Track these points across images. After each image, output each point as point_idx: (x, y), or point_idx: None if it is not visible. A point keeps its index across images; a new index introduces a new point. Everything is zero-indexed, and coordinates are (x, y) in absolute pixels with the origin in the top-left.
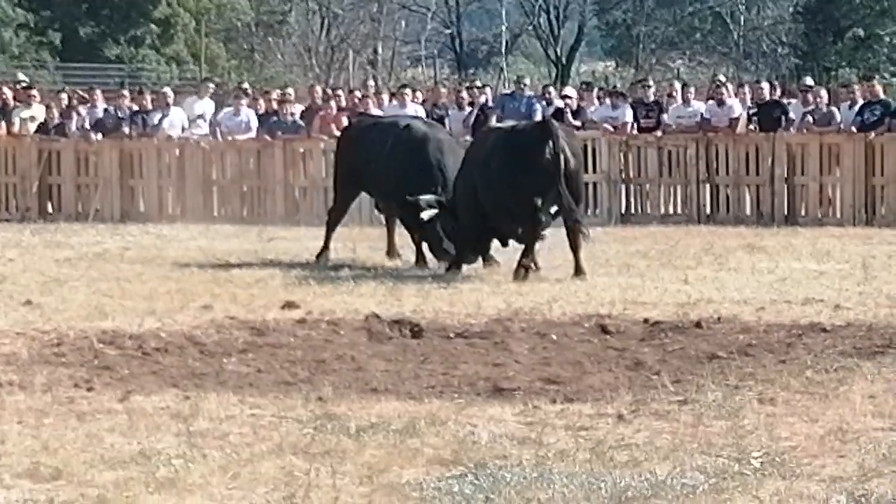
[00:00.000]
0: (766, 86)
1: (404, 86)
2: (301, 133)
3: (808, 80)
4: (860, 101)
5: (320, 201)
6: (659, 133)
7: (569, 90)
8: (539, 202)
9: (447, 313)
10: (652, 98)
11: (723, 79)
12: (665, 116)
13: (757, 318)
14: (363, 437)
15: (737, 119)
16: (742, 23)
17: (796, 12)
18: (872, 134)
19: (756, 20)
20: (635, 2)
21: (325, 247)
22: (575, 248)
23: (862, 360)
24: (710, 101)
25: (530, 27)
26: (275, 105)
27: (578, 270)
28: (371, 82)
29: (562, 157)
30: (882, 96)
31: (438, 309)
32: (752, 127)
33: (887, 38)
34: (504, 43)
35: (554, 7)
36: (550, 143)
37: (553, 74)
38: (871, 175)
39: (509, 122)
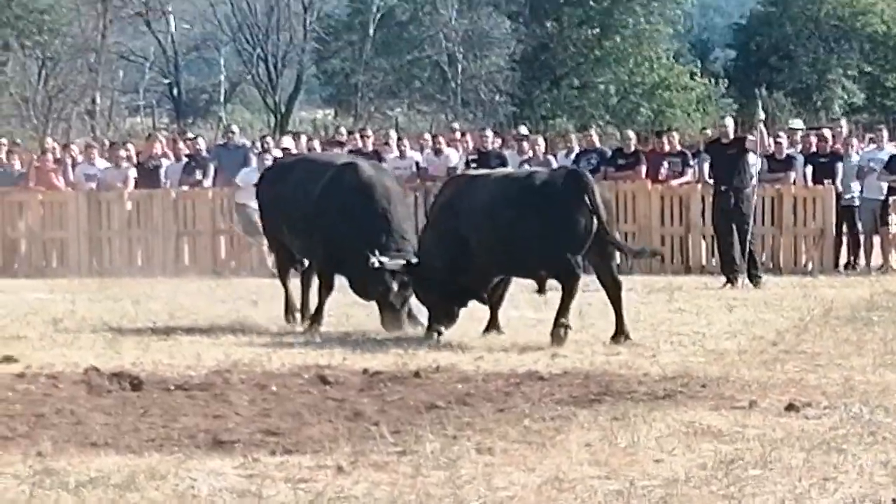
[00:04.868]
0: (490, 134)
1: (121, 143)
2: (21, 184)
3: (523, 129)
4: (576, 150)
5: (38, 252)
6: None
7: (286, 140)
8: (578, 256)
9: (167, 365)
10: (371, 148)
11: (456, 126)
12: (384, 166)
13: (475, 367)
14: (82, 492)
15: (454, 168)
16: (460, 71)
17: (513, 60)
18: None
19: (474, 68)
20: (354, 51)
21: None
22: (618, 307)
23: (578, 408)
24: (427, 151)
25: (249, 76)
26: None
27: (621, 331)
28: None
29: (599, 210)
30: (598, 145)
31: (158, 361)
32: None
33: (602, 87)
34: (223, 92)
35: (272, 56)
36: (587, 195)
37: (273, 123)
38: None
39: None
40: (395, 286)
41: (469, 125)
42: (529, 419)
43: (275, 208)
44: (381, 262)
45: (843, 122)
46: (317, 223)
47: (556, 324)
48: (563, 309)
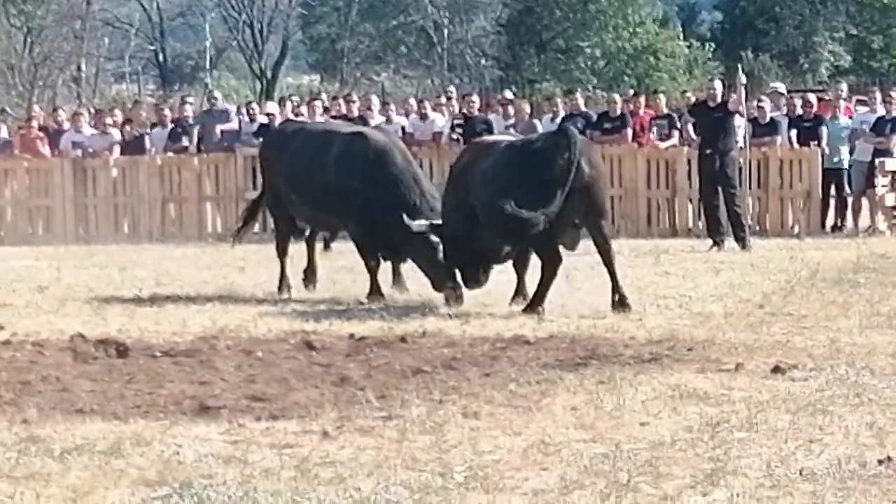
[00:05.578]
0: (476, 99)
1: (108, 109)
2: (6, 152)
3: (508, 94)
4: (562, 114)
5: (24, 220)
6: None
7: (271, 106)
8: (547, 222)
9: (153, 332)
10: (357, 113)
11: (453, 90)
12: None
13: (462, 331)
14: (68, 459)
15: (440, 132)
16: (447, 35)
17: (499, 24)
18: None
19: (460, 33)
20: (339, 16)
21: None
22: (613, 274)
23: (564, 371)
24: (413, 116)
25: (234, 42)
26: None
27: (622, 299)
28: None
29: (573, 169)
30: (583, 108)
31: (144, 328)
32: (454, 137)
33: (588, 50)
34: (209, 58)
35: (258, 21)
36: (566, 153)
37: (259, 89)
38: None
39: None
40: (440, 248)
41: (455, 90)
42: (515, 383)
43: (283, 177)
44: (409, 224)
45: (844, 85)
46: (343, 195)
47: (531, 308)
48: (539, 293)
